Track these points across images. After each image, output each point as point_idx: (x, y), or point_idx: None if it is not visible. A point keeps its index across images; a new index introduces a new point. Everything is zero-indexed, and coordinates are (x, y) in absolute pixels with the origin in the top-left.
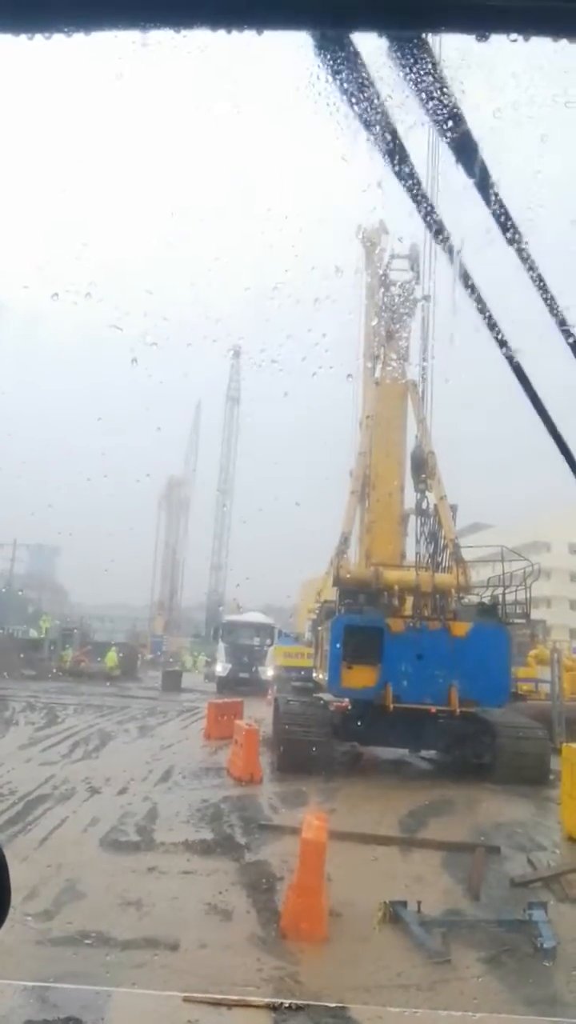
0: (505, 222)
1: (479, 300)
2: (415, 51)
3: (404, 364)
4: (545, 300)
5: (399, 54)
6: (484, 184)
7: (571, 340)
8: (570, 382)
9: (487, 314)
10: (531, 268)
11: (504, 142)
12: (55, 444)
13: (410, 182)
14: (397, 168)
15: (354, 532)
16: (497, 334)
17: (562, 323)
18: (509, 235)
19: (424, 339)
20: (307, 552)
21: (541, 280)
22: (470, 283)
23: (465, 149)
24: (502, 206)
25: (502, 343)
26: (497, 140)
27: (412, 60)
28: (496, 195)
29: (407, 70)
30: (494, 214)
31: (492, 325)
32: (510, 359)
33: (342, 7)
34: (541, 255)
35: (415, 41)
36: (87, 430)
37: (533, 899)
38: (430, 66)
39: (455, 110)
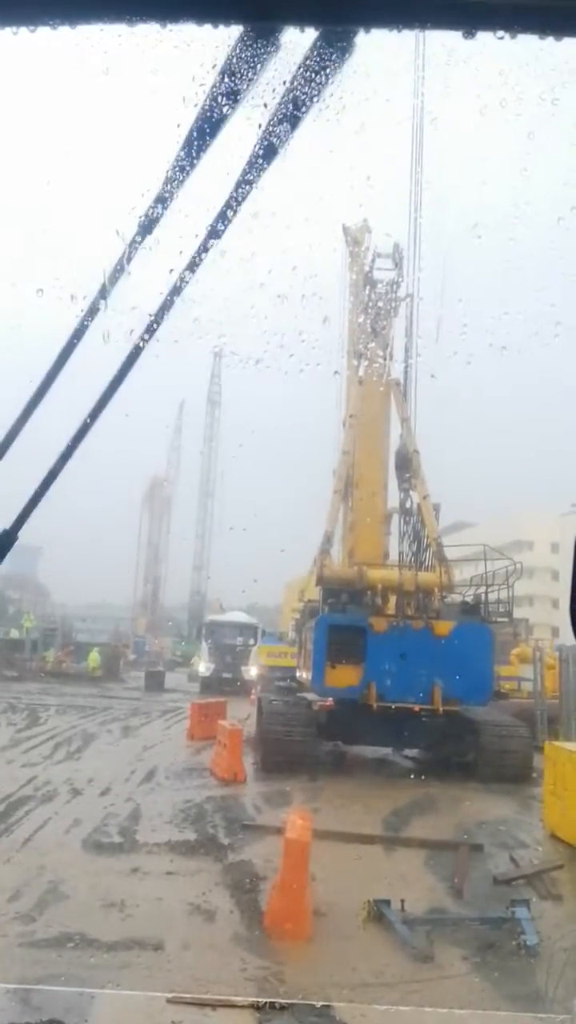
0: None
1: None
2: (402, 48)
3: (388, 363)
4: None
5: (387, 50)
6: (467, 180)
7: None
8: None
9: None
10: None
11: (492, 139)
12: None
13: (397, 179)
14: (383, 164)
15: (337, 531)
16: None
17: None
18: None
19: (408, 337)
20: (291, 552)
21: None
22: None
23: (449, 143)
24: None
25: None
26: (485, 136)
27: (399, 56)
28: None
29: (394, 66)
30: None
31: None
32: None
33: (327, 3)
34: (528, 250)
35: (402, 38)
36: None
37: (516, 896)
38: (418, 63)
39: (441, 107)
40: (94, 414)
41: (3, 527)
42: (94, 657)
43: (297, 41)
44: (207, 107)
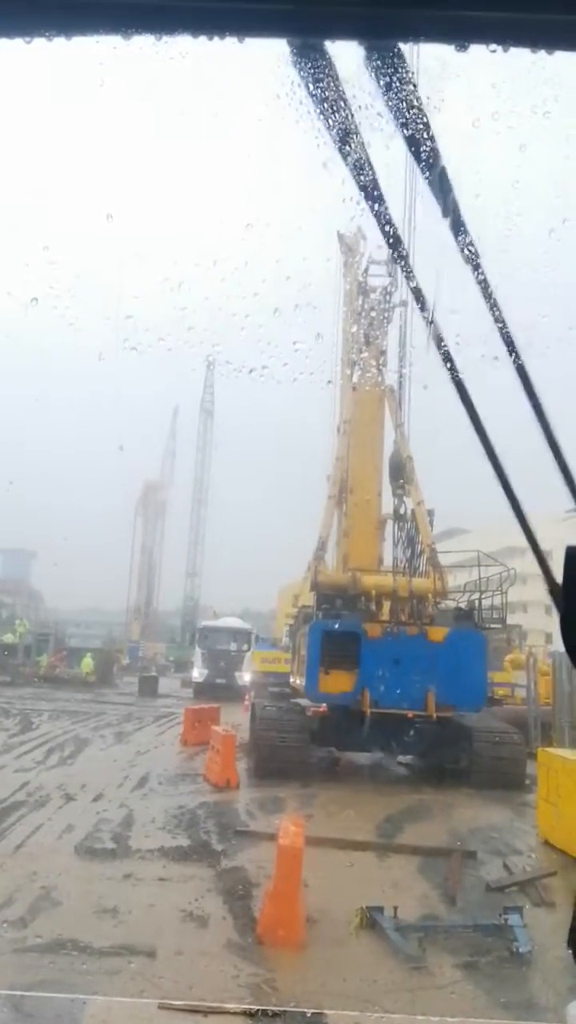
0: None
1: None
2: (394, 61)
3: (381, 370)
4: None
5: (379, 63)
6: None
7: (517, 363)
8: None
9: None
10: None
11: (483, 152)
12: (33, 450)
13: (383, 190)
14: (376, 177)
15: (331, 537)
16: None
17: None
18: (471, 260)
19: (402, 345)
20: (285, 557)
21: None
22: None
23: (442, 157)
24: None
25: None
26: (477, 149)
27: (391, 70)
28: (462, 225)
29: (386, 79)
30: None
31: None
32: (517, 366)
33: (323, 16)
34: (520, 263)
35: (394, 50)
36: (65, 436)
37: (509, 903)
38: (409, 76)
39: (433, 120)
40: (93, 421)
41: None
42: (87, 662)
43: (289, 54)
44: (201, 118)
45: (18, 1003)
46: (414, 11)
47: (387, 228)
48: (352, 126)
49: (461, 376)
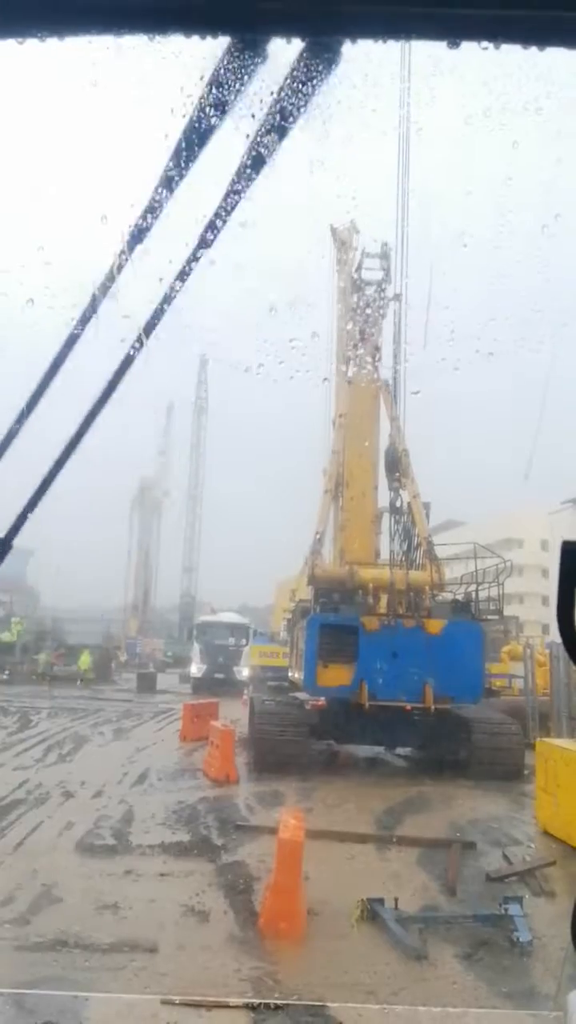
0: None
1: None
2: (388, 58)
3: (377, 363)
4: None
5: (373, 60)
6: (453, 189)
7: None
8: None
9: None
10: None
11: (476, 148)
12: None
13: (384, 188)
14: (371, 173)
15: (328, 531)
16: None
17: None
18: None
19: (396, 338)
20: (282, 552)
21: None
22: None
23: (435, 154)
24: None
25: None
26: (470, 146)
27: (385, 66)
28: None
29: (380, 76)
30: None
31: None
32: None
33: (318, 14)
34: (514, 257)
35: (388, 48)
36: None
37: (509, 894)
38: (403, 73)
39: (427, 117)
40: (87, 421)
41: None
42: (85, 659)
43: (284, 52)
44: (195, 118)
45: (20, 1000)
46: (407, 8)
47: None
48: (348, 123)
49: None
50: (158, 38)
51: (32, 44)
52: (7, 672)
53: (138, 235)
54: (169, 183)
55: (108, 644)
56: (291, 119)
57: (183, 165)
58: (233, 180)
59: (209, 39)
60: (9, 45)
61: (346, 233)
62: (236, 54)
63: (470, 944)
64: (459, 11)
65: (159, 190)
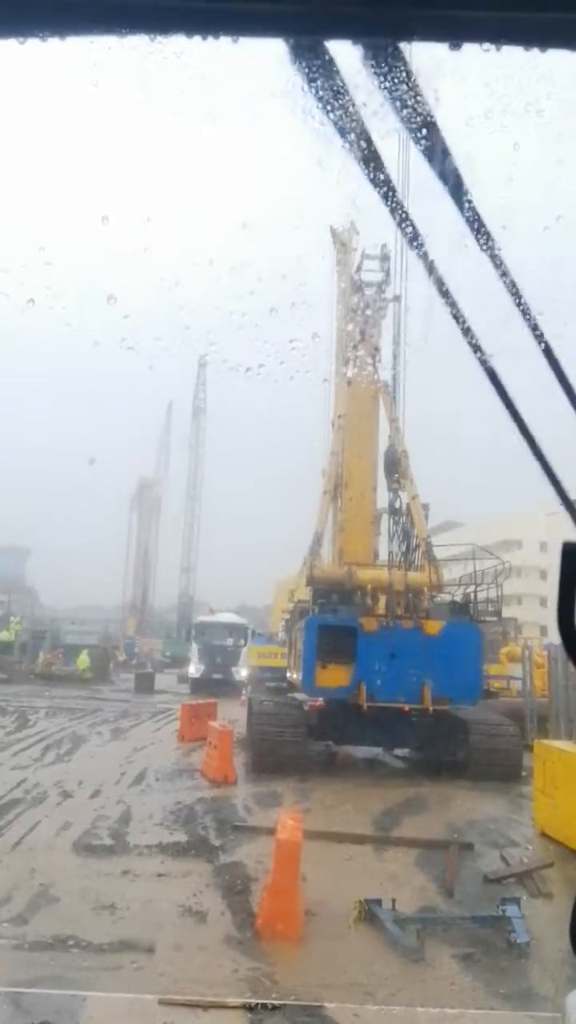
0: (479, 228)
1: (453, 305)
2: (389, 59)
3: (376, 365)
4: (518, 305)
5: (373, 62)
6: (458, 191)
7: (543, 345)
8: (546, 384)
9: (462, 320)
10: (504, 274)
11: (478, 150)
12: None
13: (385, 189)
14: (372, 175)
15: (327, 532)
16: (471, 339)
17: (535, 328)
18: (482, 241)
19: (396, 339)
20: (281, 553)
21: (515, 286)
22: (444, 288)
23: (438, 156)
24: (475, 212)
25: (476, 348)
26: (471, 148)
27: (386, 68)
28: (469, 202)
29: (381, 78)
30: (467, 220)
31: (466, 330)
32: (484, 363)
33: (317, 15)
34: (515, 260)
35: (389, 49)
36: (61, 433)
37: (506, 895)
38: (404, 74)
39: (429, 118)
40: (89, 419)
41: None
42: (84, 659)
43: (284, 53)
44: (196, 119)
45: (18, 1000)
46: (408, 10)
47: (404, 225)
48: (349, 125)
49: (490, 363)
50: (159, 38)
51: (34, 44)
52: (5, 672)
53: (138, 235)
54: (169, 184)
55: (106, 644)
56: (291, 121)
57: (182, 163)
58: (233, 182)
59: (211, 40)
60: (11, 45)
61: (346, 234)
62: (238, 55)
63: (468, 945)
64: (461, 13)
65: (159, 190)
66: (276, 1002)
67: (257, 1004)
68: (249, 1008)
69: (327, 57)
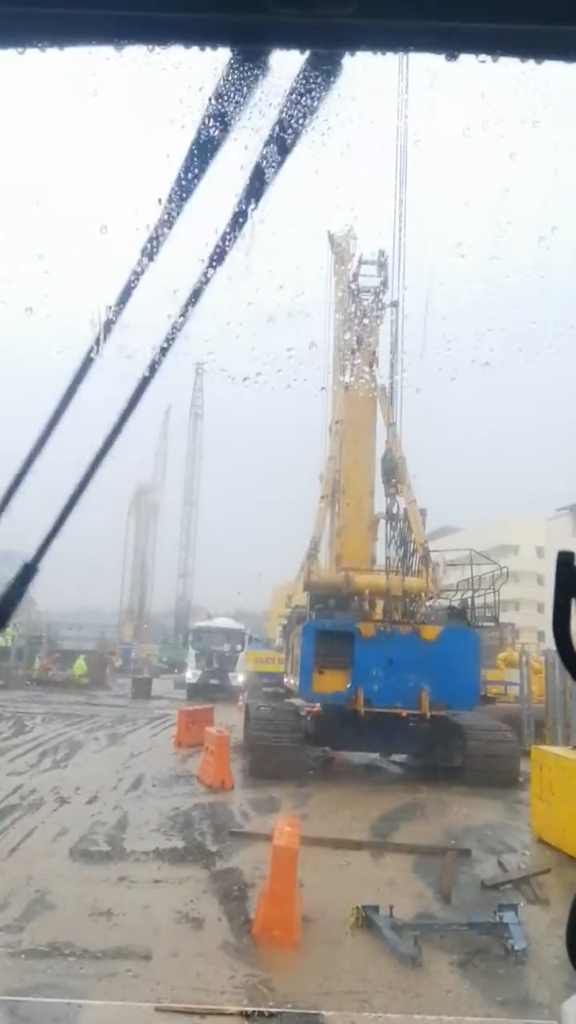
0: None
1: None
2: (385, 70)
3: (374, 370)
4: None
5: (369, 73)
6: None
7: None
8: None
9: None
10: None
11: (474, 160)
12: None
13: (382, 198)
14: (368, 188)
15: (324, 537)
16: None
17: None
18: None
19: (393, 344)
20: (278, 558)
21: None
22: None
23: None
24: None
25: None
26: (467, 158)
27: (382, 80)
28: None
29: (378, 88)
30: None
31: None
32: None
33: (313, 28)
34: (511, 268)
35: (386, 62)
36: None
37: (504, 901)
38: (402, 85)
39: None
40: (109, 440)
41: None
42: (80, 664)
43: (284, 64)
44: (196, 130)
45: (14, 1008)
46: (405, 22)
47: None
48: (349, 133)
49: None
50: (158, 49)
51: (33, 54)
52: (1, 677)
53: (137, 244)
54: (171, 195)
55: (103, 649)
56: (291, 131)
57: (184, 177)
58: (232, 191)
59: (209, 51)
60: (9, 55)
61: (344, 240)
62: (237, 66)
63: (465, 952)
64: (458, 24)
65: (160, 202)
66: (273, 1009)
67: (254, 1012)
68: (246, 1015)
69: (326, 67)
